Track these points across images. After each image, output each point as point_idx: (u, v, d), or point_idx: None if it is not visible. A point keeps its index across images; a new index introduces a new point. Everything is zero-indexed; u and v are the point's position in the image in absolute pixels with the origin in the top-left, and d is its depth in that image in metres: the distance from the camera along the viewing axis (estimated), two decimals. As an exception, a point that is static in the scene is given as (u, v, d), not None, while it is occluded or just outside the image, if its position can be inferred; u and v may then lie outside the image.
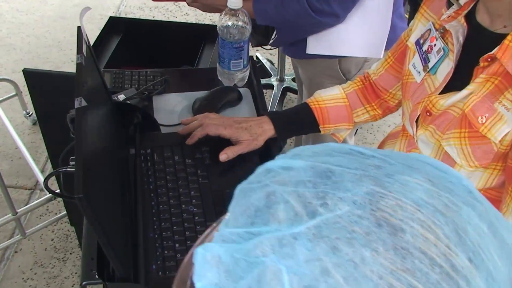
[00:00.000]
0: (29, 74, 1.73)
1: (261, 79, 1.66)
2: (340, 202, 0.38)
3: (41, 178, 2.23)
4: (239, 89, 1.53)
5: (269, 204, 0.40)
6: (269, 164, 0.45)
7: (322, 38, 1.59)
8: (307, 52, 1.64)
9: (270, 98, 3.04)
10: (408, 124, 1.17)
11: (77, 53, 1.01)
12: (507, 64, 0.92)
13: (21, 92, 2.86)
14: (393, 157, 0.43)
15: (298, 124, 1.36)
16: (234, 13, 1.41)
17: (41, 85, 1.75)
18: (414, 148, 1.17)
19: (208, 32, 2.05)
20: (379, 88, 1.33)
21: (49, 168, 2.67)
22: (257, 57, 3.29)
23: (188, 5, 1.63)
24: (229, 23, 1.42)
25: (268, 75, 3.18)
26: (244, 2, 1.42)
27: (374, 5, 1.54)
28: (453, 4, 1.05)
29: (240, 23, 1.42)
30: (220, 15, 1.44)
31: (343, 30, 1.56)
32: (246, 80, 1.56)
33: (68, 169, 1.13)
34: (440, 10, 1.08)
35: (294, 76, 2.14)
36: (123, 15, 3.81)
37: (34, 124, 2.93)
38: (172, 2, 3.28)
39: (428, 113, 1.07)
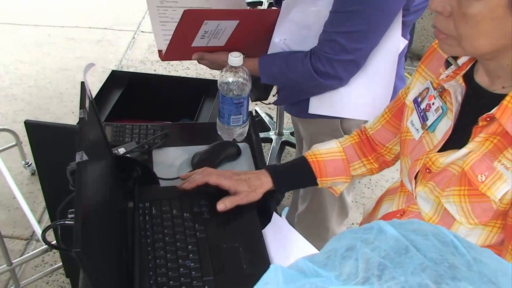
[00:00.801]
0: (30, 126, 1.74)
1: (259, 133, 1.67)
2: (391, 280, 0.39)
3: (38, 229, 2.22)
4: (238, 144, 1.54)
5: (345, 255, 0.42)
6: (383, 225, 0.45)
7: (324, 99, 1.59)
8: (309, 112, 1.63)
9: (269, 152, 3.06)
10: (407, 180, 1.18)
11: (80, 108, 1.02)
12: (506, 124, 0.93)
13: (21, 142, 2.87)
14: (482, 262, 0.42)
15: (296, 177, 1.37)
16: (234, 70, 1.44)
17: (42, 136, 1.76)
18: (413, 204, 1.17)
19: (208, 87, 2.08)
20: (376, 142, 1.34)
21: (46, 218, 2.65)
22: (256, 111, 3.32)
23: (198, 62, 1.64)
24: (230, 80, 1.44)
25: (267, 129, 3.21)
26: (248, 60, 1.44)
27: (378, 69, 1.54)
28: (451, 64, 1.07)
29: (240, 79, 1.44)
30: (221, 71, 1.47)
31: (346, 93, 1.56)
32: (245, 135, 1.57)
33: (67, 222, 1.12)
34: (438, 70, 1.10)
35: (293, 130, 2.14)
36: (125, 69, 3.87)
37: (32, 174, 2.93)
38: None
39: (427, 170, 1.08)
